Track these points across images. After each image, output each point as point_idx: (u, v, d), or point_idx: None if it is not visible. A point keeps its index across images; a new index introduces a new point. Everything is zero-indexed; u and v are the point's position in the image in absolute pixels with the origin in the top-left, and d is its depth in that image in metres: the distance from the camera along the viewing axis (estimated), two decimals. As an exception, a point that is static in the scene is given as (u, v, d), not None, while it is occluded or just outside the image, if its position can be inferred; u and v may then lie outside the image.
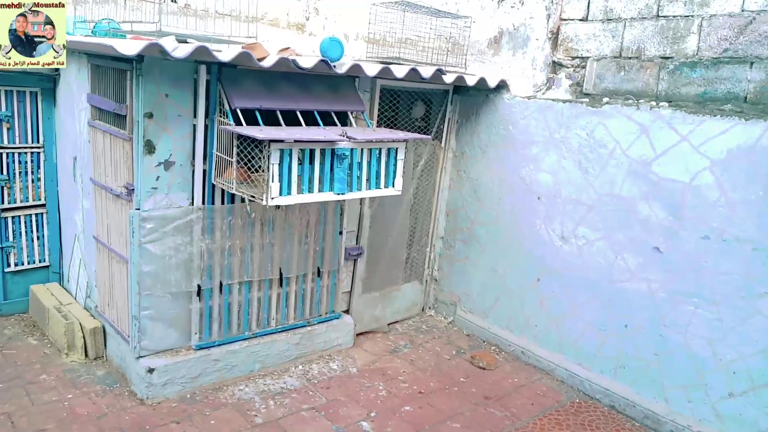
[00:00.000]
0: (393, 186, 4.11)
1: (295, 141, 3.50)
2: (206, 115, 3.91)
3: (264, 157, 3.49)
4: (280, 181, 3.56)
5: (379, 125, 4.87)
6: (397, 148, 4.06)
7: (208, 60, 3.60)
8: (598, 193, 4.42)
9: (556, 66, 4.92)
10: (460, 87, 5.23)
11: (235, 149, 3.67)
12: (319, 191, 3.76)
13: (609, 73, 4.55)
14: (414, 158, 5.26)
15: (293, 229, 4.49)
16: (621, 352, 4.37)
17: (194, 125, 3.90)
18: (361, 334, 5.22)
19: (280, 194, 3.58)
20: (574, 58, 4.81)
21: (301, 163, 3.64)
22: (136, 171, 3.81)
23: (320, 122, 4.11)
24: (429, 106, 5.39)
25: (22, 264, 5.10)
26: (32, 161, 5.00)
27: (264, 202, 3.54)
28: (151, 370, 3.95)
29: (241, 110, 3.79)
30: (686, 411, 4.04)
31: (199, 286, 4.11)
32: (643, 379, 4.25)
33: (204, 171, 4.00)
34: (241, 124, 3.73)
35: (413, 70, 4.32)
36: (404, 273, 5.52)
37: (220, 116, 3.85)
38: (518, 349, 5.08)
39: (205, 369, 4.18)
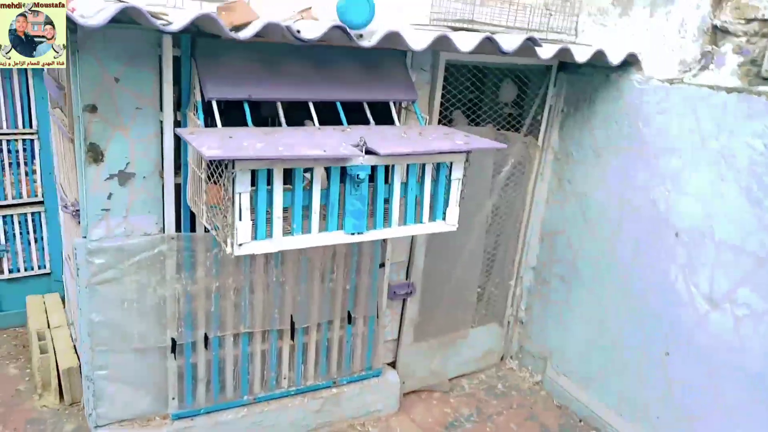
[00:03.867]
0: (443, 219, 2.74)
1: (274, 159, 2.22)
2: (178, 107, 2.74)
3: (226, 181, 2.26)
4: (255, 217, 2.32)
5: (446, 113, 3.47)
6: (451, 163, 2.67)
7: (146, 25, 2.35)
8: (780, 240, 2.77)
9: (718, 33, 3.21)
10: (567, 62, 3.66)
11: (203, 162, 2.47)
12: (322, 230, 2.48)
13: (814, 46, 2.81)
14: (496, 160, 3.80)
15: (312, 263, 3.25)
16: (798, 491, 2.77)
17: (161, 121, 2.74)
18: (412, 392, 3.95)
19: (255, 238, 2.34)
20: (749, 20, 3.08)
21: (292, 188, 2.38)
22: (81, 185, 2.73)
23: (343, 118, 2.80)
24: (524, 86, 3.88)
25: (18, 270, 4.31)
26: (24, 150, 4.13)
27: (228, 250, 2.32)
28: (105, 451, 2.95)
29: (223, 102, 2.59)
30: None
31: (173, 340, 3.01)
32: None
33: (178, 185, 2.86)
34: (216, 122, 2.53)
35: (488, 40, 2.85)
36: (476, 313, 4.12)
37: (195, 110, 2.66)
38: (630, 441, 3.57)
39: (183, 448, 3.12)
